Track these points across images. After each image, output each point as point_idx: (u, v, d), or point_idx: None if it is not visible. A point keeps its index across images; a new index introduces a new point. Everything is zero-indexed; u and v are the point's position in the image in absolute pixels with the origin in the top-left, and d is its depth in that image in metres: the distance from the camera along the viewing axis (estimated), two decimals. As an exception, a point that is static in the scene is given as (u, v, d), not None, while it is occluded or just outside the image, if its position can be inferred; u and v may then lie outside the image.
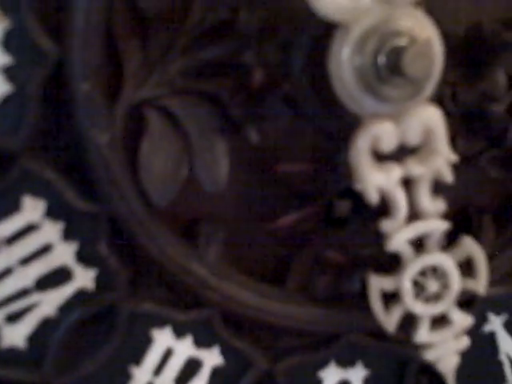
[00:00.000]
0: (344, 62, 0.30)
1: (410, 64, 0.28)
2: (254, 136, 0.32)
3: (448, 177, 0.33)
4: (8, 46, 0.29)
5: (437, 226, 0.34)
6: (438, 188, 0.35)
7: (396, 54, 0.29)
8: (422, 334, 0.35)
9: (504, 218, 0.39)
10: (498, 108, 0.36)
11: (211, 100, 0.32)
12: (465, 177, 0.37)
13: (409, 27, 0.30)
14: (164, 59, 0.32)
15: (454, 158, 0.33)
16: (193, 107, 0.32)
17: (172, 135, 0.32)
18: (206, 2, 0.31)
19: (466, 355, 0.40)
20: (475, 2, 0.35)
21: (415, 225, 0.33)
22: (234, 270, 0.35)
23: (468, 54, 0.35)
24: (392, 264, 0.35)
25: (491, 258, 0.38)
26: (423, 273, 0.35)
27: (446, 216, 0.37)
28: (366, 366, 0.39)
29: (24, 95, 0.30)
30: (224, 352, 0.37)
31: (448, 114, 0.35)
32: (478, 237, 0.38)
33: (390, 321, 0.35)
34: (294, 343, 0.38)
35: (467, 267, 0.36)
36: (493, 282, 0.39)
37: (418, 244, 0.34)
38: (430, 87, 0.31)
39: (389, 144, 0.32)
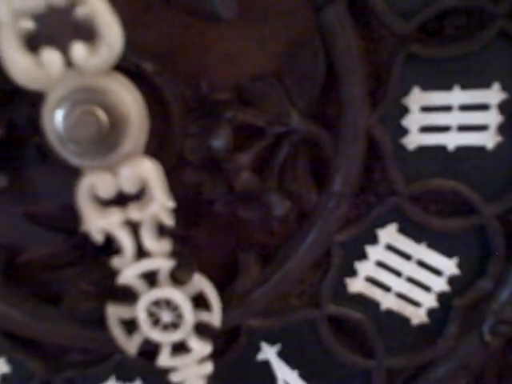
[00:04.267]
0: (47, 123, 0.33)
1: (72, 129, 0.31)
2: (2, 181, 0.36)
3: (167, 220, 0.35)
4: None
5: (161, 264, 0.36)
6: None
7: (70, 119, 0.32)
8: (163, 359, 0.38)
9: (268, 255, 0.41)
10: (240, 157, 0.37)
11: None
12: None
13: (98, 94, 0.33)
14: None
15: (170, 204, 0.35)
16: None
17: None
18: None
19: (244, 383, 0.42)
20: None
21: (142, 262, 0.36)
22: (9, 292, 0.39)
23: (202, 110, 0.37)
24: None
25: (254, 290, 0.40)
26: (159, 304, 0.37)
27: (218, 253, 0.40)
28: (145, 381, 0.42)
29: None
30: (10, 362, 0.41)
31: (189, 163, 0.38)
32: (243, 272, 0.40)
33: (131, 345, 0.38)
34: (77, 357, 0.42)
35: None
36: (262, 314, 0.41)
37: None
38: (130, 145, 0.34)
39: (107, 191, 0.35)
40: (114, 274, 0.39)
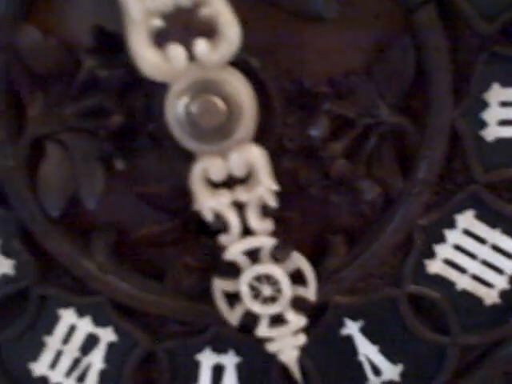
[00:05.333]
0: (169, 111, 0.37)
1: (195, 117, 0.35)
2: (119, 165, 0.40)
3: (271, 202, 0.39)
4: None
5: (264, 242, 0.39)
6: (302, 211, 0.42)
7: (195, 108, 0.35)
8: (262, 330, 0.41)
9: (354, 237, 0.44)
10: (335, 146, 0.41)
11: (93, 135, 0.40)
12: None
13: (217, 85, 0.36)
14: (60, 105, 0.40)
15: (275, 187, 0.38)
16: (80, 141, 0.40)
17: (64, 162, 0.41)
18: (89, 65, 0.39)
19: (328, 355, 0.45)
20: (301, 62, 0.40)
21: (246, 240, 0.39)
22: (119, 267, 0.43)
23: (301, 102, 0.40)
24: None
25: (341, 269, 0.43)
26: (260, 279, 0.40)
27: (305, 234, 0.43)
28: (238, 353, 0.45)
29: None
30: (117, 331, 0.44)
31: (288, 150, 0.41)
32: (332, 252, 0.43)
33: (233, 316, 0.41)
34: (176, 329, 0.45)
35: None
36: (347, 292, 0.44)
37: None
38: (244, 132, 0.37)
39: (218, 174, 0.38)
40: (214, 251, 0.42)
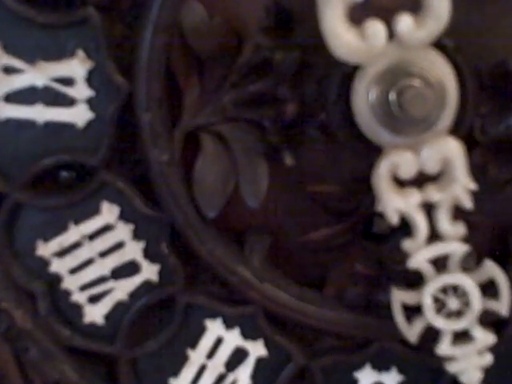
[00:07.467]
0: (360, 98, 0.32)
1: (409, 104, 0.30)
2: (288, 159, 0.36)
3: (467, 203, 0.34)
4: (90, 82, 0.35)
5: (455, 248, 0.35)
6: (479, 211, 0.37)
7: (400, 95, 0.31)
8: (443, 347, 0.36)
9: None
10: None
11: (256, 126, 0.36)
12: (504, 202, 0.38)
13: (420, 68, 0.32)
14: (218, 92, 0.36)
15: (472, 186, 0.34)
16: (240, 133, 0.36)
17: (222, 156, 0.36)
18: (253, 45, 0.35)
19: (502, 372, 0.40)
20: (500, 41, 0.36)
21: (434, 246, 0.35)
22: (275, 274, 0.39)
23: (497, 89, 0.35)
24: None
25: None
26: (445, 290, 0.36)
27: (486, 238, 0.38)
28: (401, 371, 0.41)
29: (102, 121, 0.36)
30: (267, 345, 0.40)
31: (478, 144, 0.36)
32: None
33: (412, 332, 0.36)
34: (333, 344, 0.41)
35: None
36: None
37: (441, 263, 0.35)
38: (445, 122, 0.32)
39: (408, 171, 0.33)
40: (382, 257, 0.38)
